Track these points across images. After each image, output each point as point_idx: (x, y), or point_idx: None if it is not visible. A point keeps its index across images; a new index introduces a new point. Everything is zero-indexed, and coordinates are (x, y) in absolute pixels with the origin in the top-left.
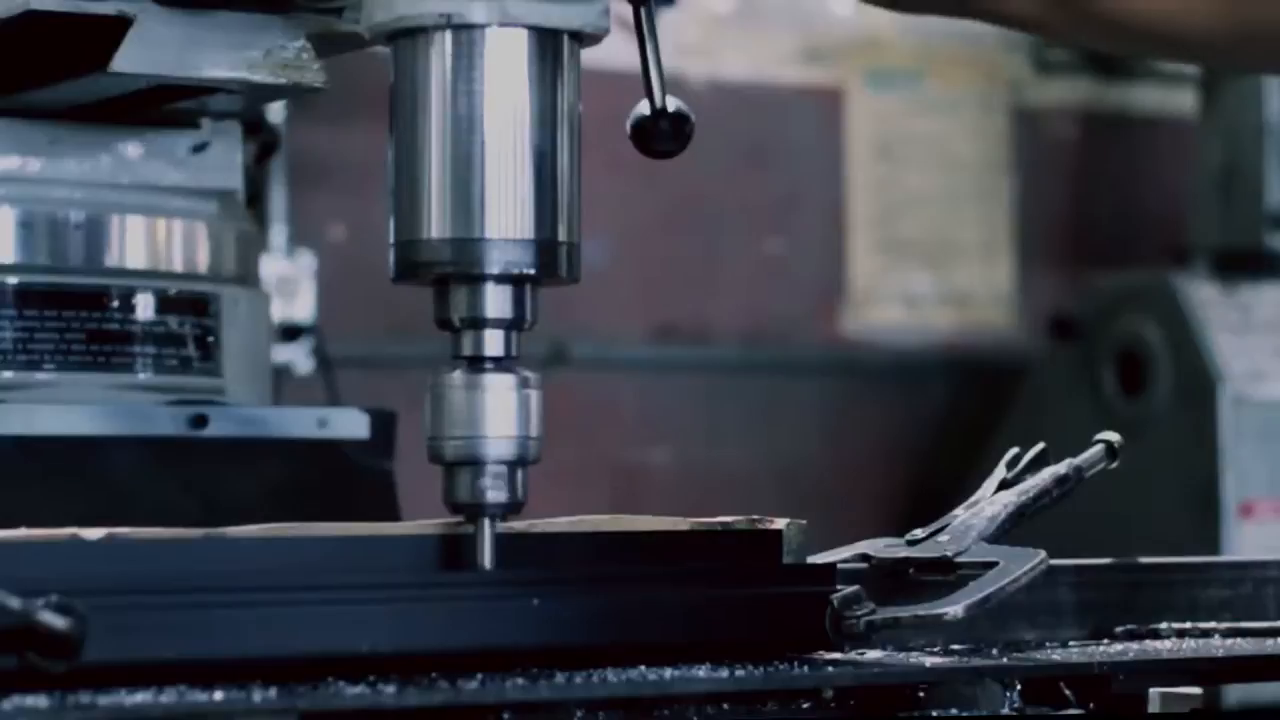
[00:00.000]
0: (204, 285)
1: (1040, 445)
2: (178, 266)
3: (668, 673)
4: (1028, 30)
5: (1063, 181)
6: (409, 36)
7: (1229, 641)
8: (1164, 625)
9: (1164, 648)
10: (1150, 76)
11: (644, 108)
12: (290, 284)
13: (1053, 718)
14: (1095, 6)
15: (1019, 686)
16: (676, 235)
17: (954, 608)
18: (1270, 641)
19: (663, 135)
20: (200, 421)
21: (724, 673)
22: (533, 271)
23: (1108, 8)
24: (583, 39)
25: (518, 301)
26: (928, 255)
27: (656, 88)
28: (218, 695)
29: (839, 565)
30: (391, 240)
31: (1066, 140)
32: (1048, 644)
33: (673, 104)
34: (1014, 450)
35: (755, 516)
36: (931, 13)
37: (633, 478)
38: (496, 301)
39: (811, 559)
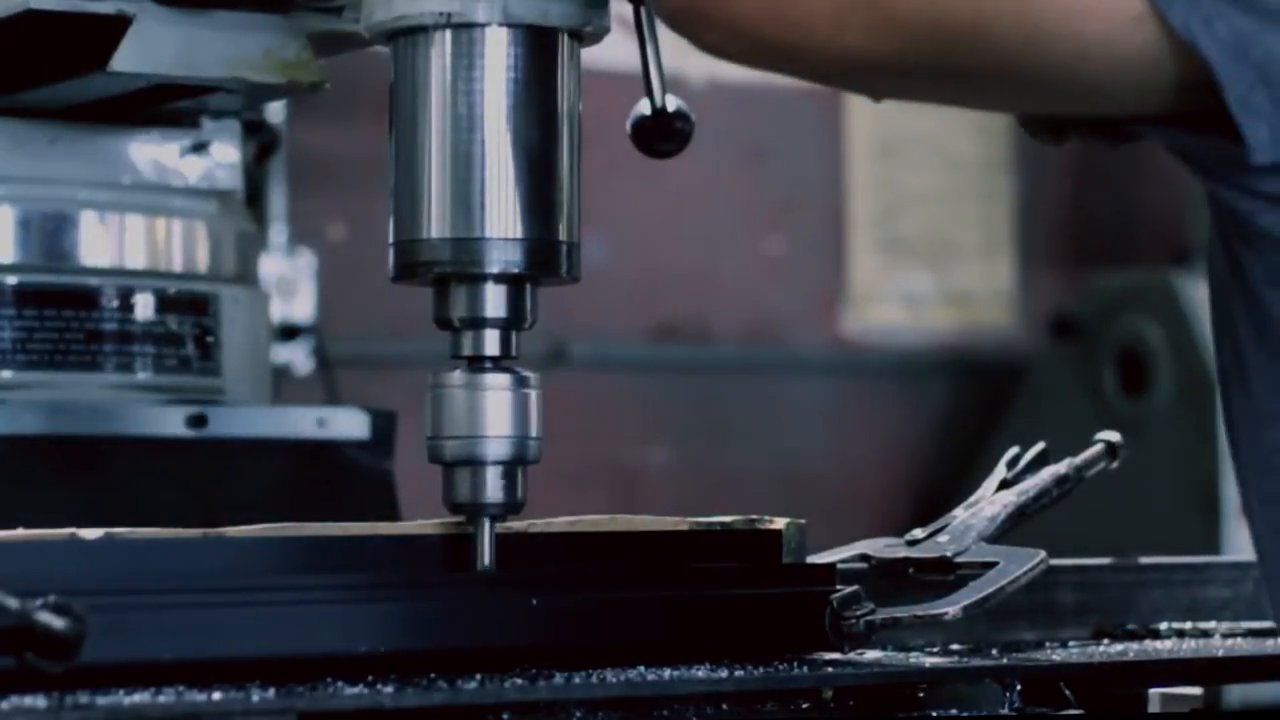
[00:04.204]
0: (203, 285)
1: (1040, 445)
2: (177, 266)
3: (667, 673)
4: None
5: (1063, 181)
6: (409, 36)
7: (1229, 641)
8: (1164, 625)
9: (1164, 648)
10: None
11: (644, 108)
12: (290, 284)
13: (1053, 718)
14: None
15: (1019, 686)
16: (676, 235)
17: (953, 608)
18: (1270, 641)
19: (663, 135)
20: (200, 421)
21: (724, 673)
22: (532, 271)
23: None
24: (583, 39)
25: (517, 301)
26: (928, 255)
27: (656, 88)
28: (216, 695)
29: (839, 565)
30: (391, 240)
31: None
32: (1048, 644)
33: (673, 104)
34: (1014, 450)
35: (755, 516)
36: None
37: (633, 478)
38: (496, 301)
39: (811, 559)
